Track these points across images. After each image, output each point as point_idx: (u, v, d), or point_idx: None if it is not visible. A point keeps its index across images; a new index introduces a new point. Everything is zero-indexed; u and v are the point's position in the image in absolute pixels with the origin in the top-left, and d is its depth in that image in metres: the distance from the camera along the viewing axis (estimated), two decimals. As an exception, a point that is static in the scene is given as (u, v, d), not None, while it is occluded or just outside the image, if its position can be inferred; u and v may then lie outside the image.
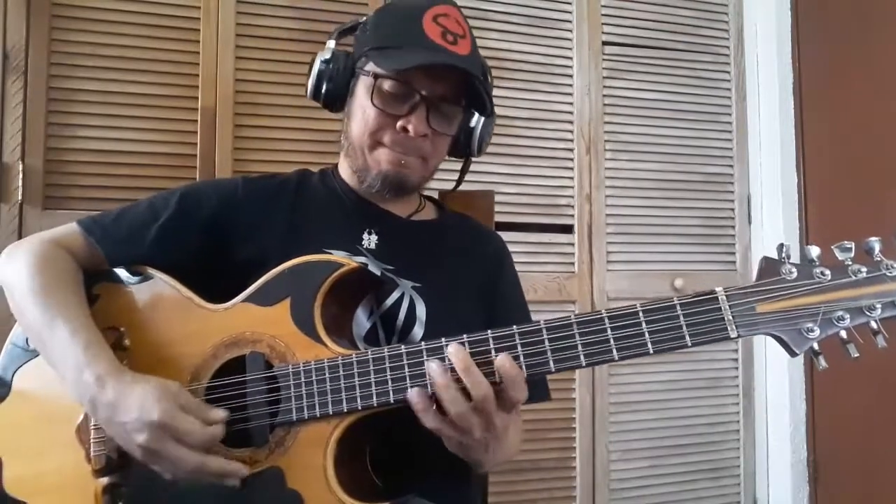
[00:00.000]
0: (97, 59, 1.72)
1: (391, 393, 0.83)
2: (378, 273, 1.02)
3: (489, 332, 0.82)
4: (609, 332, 0.79)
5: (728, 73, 2.32)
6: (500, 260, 1.18)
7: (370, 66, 1.03)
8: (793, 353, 0.76)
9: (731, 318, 0.77)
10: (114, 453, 0.87)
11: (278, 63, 1.84)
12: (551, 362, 0.80)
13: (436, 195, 1.32)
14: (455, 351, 0.80)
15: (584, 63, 2.15)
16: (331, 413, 0.85)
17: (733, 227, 2.30)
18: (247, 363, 0.90)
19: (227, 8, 1.81)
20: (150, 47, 1.76)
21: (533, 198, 2.09)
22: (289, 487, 0.85)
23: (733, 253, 2.29)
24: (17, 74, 1.65)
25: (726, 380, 2.25)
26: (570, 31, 2.16)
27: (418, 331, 1.01)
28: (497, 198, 1.55)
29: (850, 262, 0.76)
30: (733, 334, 0.77)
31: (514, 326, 0.82)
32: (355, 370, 0.85)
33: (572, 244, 2.13)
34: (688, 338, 0.78)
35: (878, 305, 0.74)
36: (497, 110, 2.03)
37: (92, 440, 0.89)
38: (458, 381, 0.79)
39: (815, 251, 0.78)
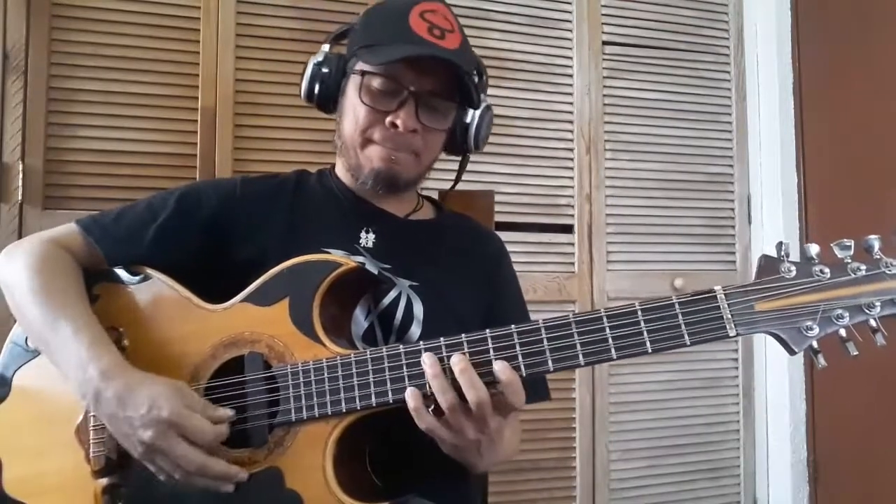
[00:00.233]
0: (97, 59, 1.72)
1: (390, 393, 0.83)
2: (376, 272, 1.02)
3: (487, 331, 0.82)
4: (608, 331, 0.79)
5: (728, 73, 2.32)
6: (499, 259, 1.18)
7: (359, 65, 1.03)
8: (792, 352, 0.76)
9: (729, 316, 0.77)
10: (113, 454, 0.88)
11: (278, 63, 1.83)
12: (550, 362, 0.80)
13: (436, 195, 1.32)
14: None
15: (584, 63, 2.15)
16: (329, 413, 0.85)
17: (733, 227, 2.30)
18: (245, 363, 0.90)
19: (227, 8, 1.81)
20: (151, 47, 1.76)
21: (533, 198, 2.09)
22: (288, 488, 0.85)
23: (733, 253, 2.29)
24: (17, 74, 1.65)
25: (726, 380, 2.25)
26: (571, 31, 2.16)
27: (415, 330, 1.02)
28: (497, 198, 1.56)
29: (849, 260, 0.76)
30: (732, 333, 0.77)
31: (513, 326, 0.82)
32: (354, 370, 0.85)
33: (572, 244, 2.12)
34: (686, 337, 0.78)
35: (878, 303, 0.74)
36: (497, 110, 2.03)
37: (91, 441, 0.89)
38: (454, 381, 0.79)
39: (814, 249, 0.77)
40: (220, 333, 0.92)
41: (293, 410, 0.86)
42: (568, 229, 2.13)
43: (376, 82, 1.01)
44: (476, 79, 1.11)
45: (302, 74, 1.10)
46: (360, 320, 1.01)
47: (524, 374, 0.80)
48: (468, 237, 1.18)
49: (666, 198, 2.22)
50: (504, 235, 1.25)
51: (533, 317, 0.94)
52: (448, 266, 1.10)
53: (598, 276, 2.13)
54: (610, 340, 0.79)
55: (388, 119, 1.01)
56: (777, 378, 2.20)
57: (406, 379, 0.83)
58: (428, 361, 0.80)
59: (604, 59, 2.18)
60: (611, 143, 2.18)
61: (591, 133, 2.15)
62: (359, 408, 0.84)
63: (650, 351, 0.78)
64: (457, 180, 1.25)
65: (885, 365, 1.82)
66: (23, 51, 1.65)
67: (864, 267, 0.75)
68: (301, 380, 0.87)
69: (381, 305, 1.02)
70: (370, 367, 0.85)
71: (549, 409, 2.03)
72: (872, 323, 0.75)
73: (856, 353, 0.75)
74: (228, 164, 1.79)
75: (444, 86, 1.02)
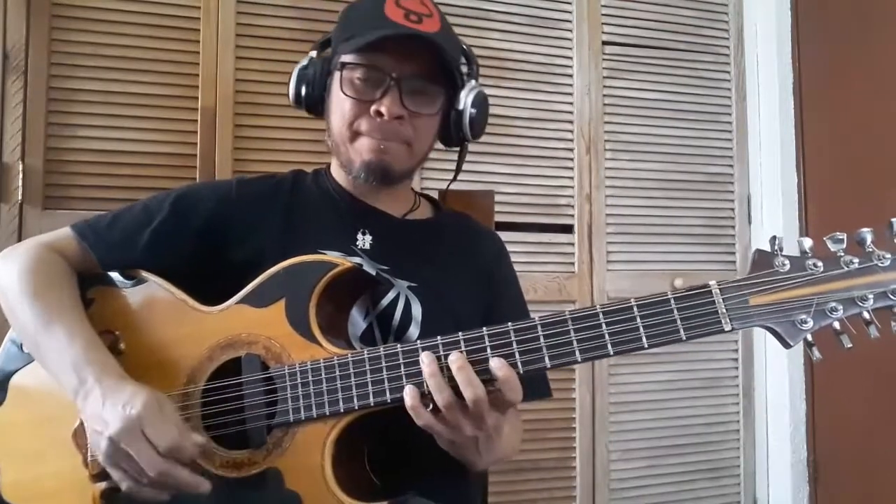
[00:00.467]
0: (97, 59, 1.72)
1: (388, 392, 0.83)
2: (373, 273, 1.02)
3: (485, 329, 0.82)
4: (604, 326, 0.79)
5: (728, 73, 2.32)
6: (498, 258, 1.18)
7: (339, 59, 1.03)
8: (787, 345, 0.77)
9: (724, 311, 0.77)
10: None
11: (278, 63, 1.84)
12: (547, 358, 0.80)
13: (436, 195, 1.32)
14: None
15: (584, 63, 2.15)
16: (328, 413, 0.85)
17: (733, 227, 2.30)
18: (242, 365, 0.90)
19: (227, 8, 1.81)
20: (151, 47, 1.76)
21: (533, 198, 2.09)
22: (287, 488, 0.85)
23: (733, 253, 2.29)
24: (17, 74, 1.65)
25: (726, 379, 2.25)
26: (570, 31, 2.16)
27: (414, 330, 1.01)
28: (497, 198, 1.55)
29: (842, 254, 0.76)
30: (727, 327, 0.77)
31: (510, 323, 0.82)
32: (351, 370, 0.85)
33: (572, 244, 2.12)
34: (682, 331, 0.78)
35: (871, 296, 0.74)
36: (497, 110, 2.05)
37: (89, 444, 0.88)
38: (451, 378, 0.79)
39: (807, 243, 0.78)
40: (217, 335, 0.92)
41: (291, 411, 0.86)
42: (568, 229, 2.13)
43: (358, 73, 1.01)
44: (464, 63, 1.10)
45: (289, 81, 1.10)
46: (358, 321, 1.01)
47: (521, 371, 0.80)
48: (467, 236, 1.17)
49: (666, 198, 2.22)
50: (504, 235, 1.24)
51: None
52: (446, 266, 1.09)
53: (598, 276, 2.13)
54: (606, 336, 0.79)
55: (373, 108, 1.00)
56: (777, 378, 2.20)
57: (403, 378, 0.83)
58: (426, 360, 0.80)
59: (604, 59, 2.18)
60: (611, 143, 2.18)
61: (591, 133, 2.15)
62: (357, 407, 0.84)
63: (646, 346, 0.78)
64: (457, 171, 1.22)
65: (885, 365, 1.82)
66: (23, 51, 1.65)
67: (856, 260, 0.76)
68: (299, 380, 0.87)
69: (380, 307, 1.02)
70: (367, 367, 0.85)
71: (549, 409, 2.03)
72: (866, 315, 0.75)
73: (850, 345, 0.75)
74: (228, 164, 1.79)
75: (426, 69, 1.01)
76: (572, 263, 2.12)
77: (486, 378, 0.80)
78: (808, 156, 2.19)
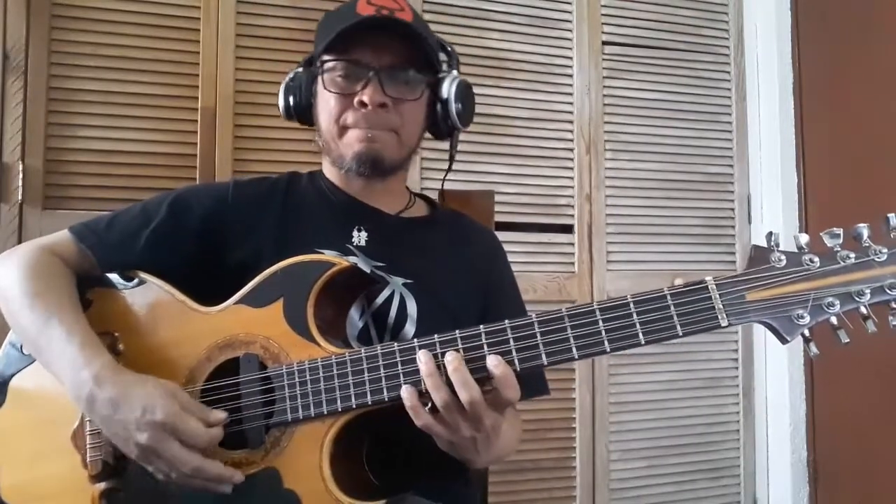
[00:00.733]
0: (97, 58, 1.72)
1: (385, 390, 0.84)
2: (368, 270, 1.02)
3: (481, 327, 0.82)
4: (601, 323, 0.79)
5: (728, 73, 2.32)
6: (494, 256, 1.18)
7: (320, 60, 1.06)
8: (784, 340, 0.77)
9: (721, 306, 0.77)
10: (110, 458, 0.87)
11: (278, 63, 1.84)
12: (543, 356, 0.80)
13: (436, 196, 1.32)
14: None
15: (584, 63, 2.15)
16: (325, 412, 0.85)
17: (733, 226, 2.30)
18: (241, 365, 0.90)
19: (227, 8, 1.82)
20: (151, 47, 1.76)
21: (533, 198, 2.09)
22: (285, 488, 0.85)
23: (733, 253, 2.29)
24: (17, 74, 1.65)
25: (726, 379, 2.25)
26: (570, 31, 2.16)
27: (410, 328, 1.02)
28: (497, 198, 1.55)
29: (838, 249, 0.76)
30: (724, 323, 0.77)
31: (506, 321, 0.82)
32: (349, 369, 0.85)
33: (572, 244, 2.12)
34: (679, 328, 0.78)
35: (867, 291, 0.74)
36: (497, 110, 2.05)
37: (88, 445, 0.89)
38: (447, 379, 0.79)
39: (804, 238, 0.78)
40: (215, 336, 0.92)
41: (289, 410, 0.86)
42: (568, 229, 2.13)
43: (339, 70, 1.04)
44: (444, 56, 1.13)
45: (277, 96, 1.13)
46: (354, 320, 1.01)
47: (518, 369, 0.80)
48: (462, 234, 1.17)
49: (666, 198, 2.22)
50: (504, 235, 1.24)
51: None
52: (442, 263, 1.10)
53: (598, 276, 2.13)
54: (603, 333, 0.79)
55: (356, 99, 1.02)
56: (777, 378, 2.20)
57: (401, 377, 0.83)
58: (423, 359, 0.81)
59: (603, 59, 2.18)
60: (611, 143, 2.18)
61: (591, 133, 2.15)
62: (354, 406, 0.84)
63: (643, 342, 0.78)
64: (450, 161, 1.22)
65: (885, 365, 1.82)
66: (23, 51, 1.66)
67: (853, 255, 0.76)
68: (297, 380, 0.87)
69: (375, 305, 1.02)
70: (365, 366, 0.85)
71: (549, 409, 2.03)
72: (863, 310, 0.75)
73: (847, 340, 0.75)
74: (228, 164, 1.79)
75: (404, 57, 1.04)
76: (572, 263, 2.12)
77: (484, 376, 0.80)
78: (808, 156, 2.19)
